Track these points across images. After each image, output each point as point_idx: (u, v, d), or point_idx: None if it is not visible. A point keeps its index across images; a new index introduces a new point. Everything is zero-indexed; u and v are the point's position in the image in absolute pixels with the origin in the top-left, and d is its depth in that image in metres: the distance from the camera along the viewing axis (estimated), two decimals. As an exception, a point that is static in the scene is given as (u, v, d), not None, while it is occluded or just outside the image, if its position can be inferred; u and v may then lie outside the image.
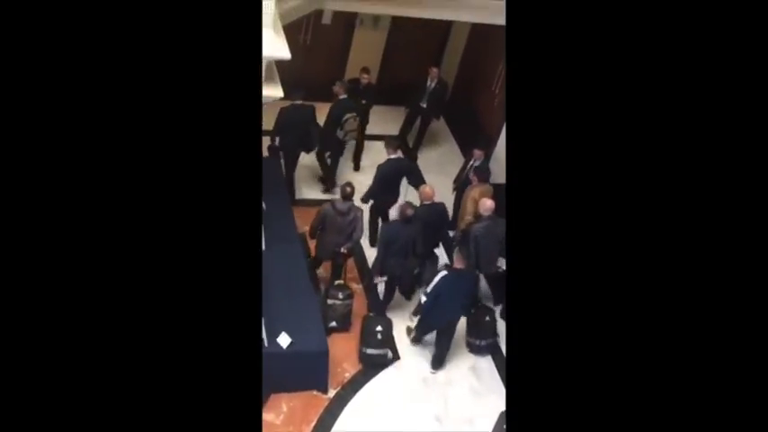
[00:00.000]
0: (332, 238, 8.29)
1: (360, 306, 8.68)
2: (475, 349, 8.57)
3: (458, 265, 8.07)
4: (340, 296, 8.30)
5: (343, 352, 8.10)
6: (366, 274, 9.12)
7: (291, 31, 7.73)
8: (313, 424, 7.35)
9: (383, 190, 9.21)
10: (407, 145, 11.21)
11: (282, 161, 9.64)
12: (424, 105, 10.82)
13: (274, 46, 6.51)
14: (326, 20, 10.88)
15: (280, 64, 6.88)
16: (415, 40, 11.32)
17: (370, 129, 10.71)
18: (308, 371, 7.55)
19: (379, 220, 9.40)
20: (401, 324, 8.62)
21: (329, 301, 8.25)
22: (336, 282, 8.49)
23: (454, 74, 12.06)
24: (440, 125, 11.72)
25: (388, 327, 8.28)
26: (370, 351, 8.16)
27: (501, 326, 8.55)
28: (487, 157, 9.88)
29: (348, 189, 8.19)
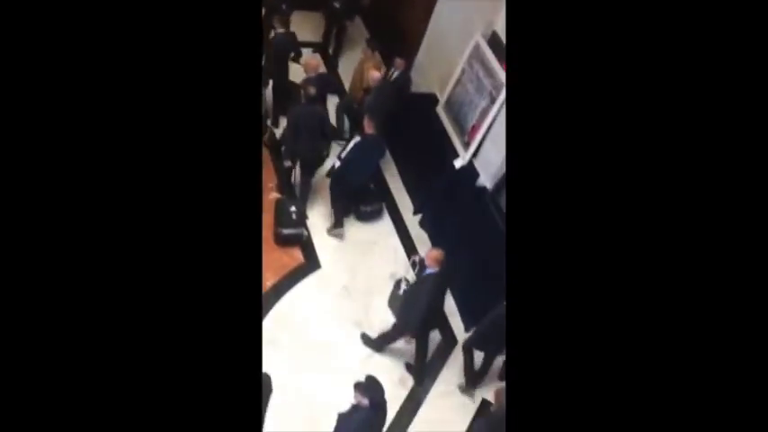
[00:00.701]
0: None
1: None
2: (364, 216, 8.92)
3: (368, 130, 8.41)
4: None
5: (264, 259, 8.09)
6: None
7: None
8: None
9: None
10: (328, 52, 11.06)
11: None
12: (338, 6, 10.61)
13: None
14: None
15: None
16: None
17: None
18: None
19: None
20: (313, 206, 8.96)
21: None
22: None
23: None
24: (360, 31, 11.55)
25: (301, 206, 8.57)
26: (286, 231, 8.45)
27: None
28: (408, 66, 9.86)
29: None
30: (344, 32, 11.06)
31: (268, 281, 8.03)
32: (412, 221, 9.24)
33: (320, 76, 9.09)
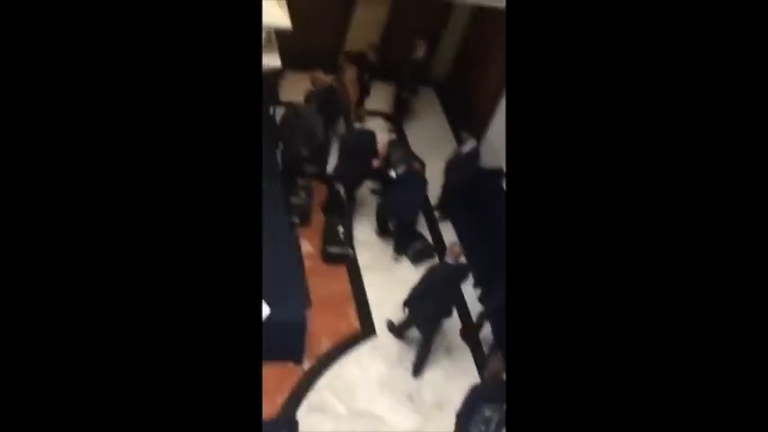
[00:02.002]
0: (297, 141, 8.81)
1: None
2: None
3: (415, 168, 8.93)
4: (302, 194, 9.11)
5: (321, 325, 8.13)
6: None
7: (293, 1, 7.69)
8: (286, 395, 7.38)
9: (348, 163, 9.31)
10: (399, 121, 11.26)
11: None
12: (407, 77, 10.88)
13: (275, 15, 6.49)
14: (329, -9, 10.80)
15: (280, 34, 6.84)
16: (416, 19, 11.26)
17: (368, 104, 10.81)
18: (284, 342, 7.56)
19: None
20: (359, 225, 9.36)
21: (292, 199, 8.98)
22: (300, 181, 9.17)
23: (452, 56, 12.05)
24: (433, 104, 11.71)
25: (349, 226, 9.06)
26: (332, 249, 8.84)
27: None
28: (478, 140, 9.91)
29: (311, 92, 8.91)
30: (413, 103, 11.27)
31: (323, 345, 8.00)
32: (471, 295, 9.09)
33: (326, 90, 9.45)
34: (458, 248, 7.93)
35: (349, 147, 9.07)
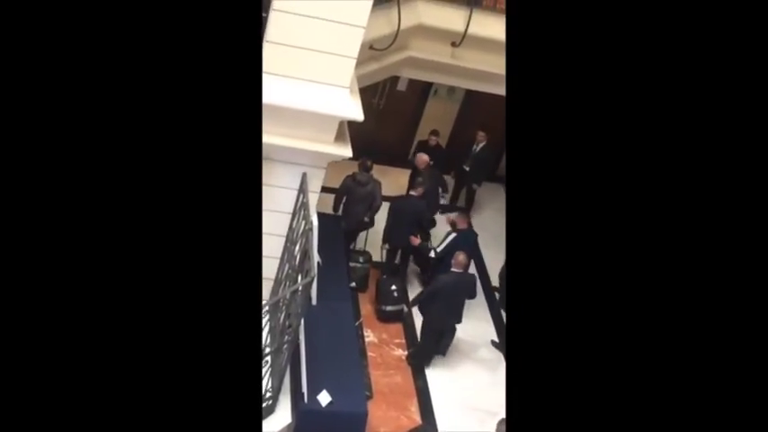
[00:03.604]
0: (355, 209, 9.11)
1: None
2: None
3: (461, 225, 9.26)
4: (360, 260, 9.47)
5: (381, 417, 7.98)
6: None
7: (367, 93, 7.89)
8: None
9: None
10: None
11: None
12: (467, 169, 10.92)
13: (349, 107, 6.64)
14: (402, 86, 11.07)
15: (351, 124, 6.99)
16: (487, 114, 11.40)
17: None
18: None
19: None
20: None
21: (351, 264, 9.28)
22: (357, 247, 9.63)
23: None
24: (497, 194, 11.69)
25: (402, 285, 9.44)
26: (388, 308, 9.18)
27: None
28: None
29: (368, 162, 9.11)
30: (474, 193, 11.27)
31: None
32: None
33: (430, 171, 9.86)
34: (463, 258, 8.52)
35: (396, 211, 9.38)
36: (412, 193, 9.62)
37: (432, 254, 9.19)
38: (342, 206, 9.26)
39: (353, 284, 9.26)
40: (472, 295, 8.79)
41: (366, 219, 9.27)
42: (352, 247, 9.56)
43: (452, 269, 8.53)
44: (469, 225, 9.56)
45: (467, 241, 9.28)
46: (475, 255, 9.74)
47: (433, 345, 8.76)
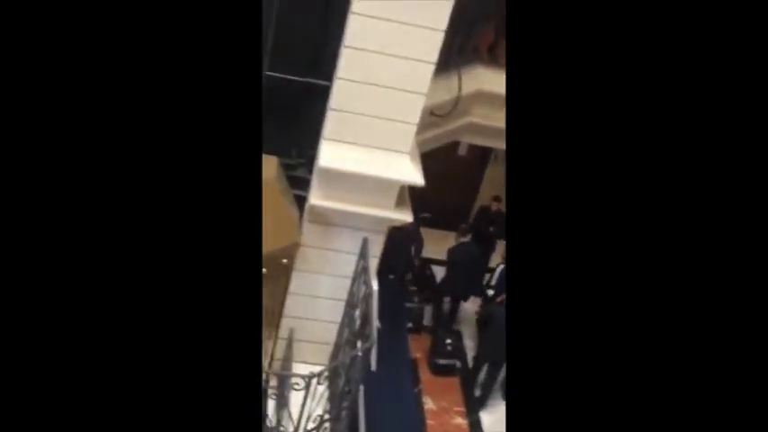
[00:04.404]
0: (400, 249, 9.09)
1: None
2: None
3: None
4: (415, 300, 9.91)
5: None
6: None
7: (427, 158, 7.94)
8: None
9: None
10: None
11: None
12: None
13: (410, 172, 6.68)
14: (462, 151, 11.12)
15: (412, 189, 7.02)
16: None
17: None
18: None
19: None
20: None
21: (407, 305, 9.63)
22: (412, 288, 10.03)
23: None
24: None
25: (458, 339, 9.58)
26: (441, 361, 9.30)
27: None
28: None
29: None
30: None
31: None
32: None
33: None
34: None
35: (455, 260, 9.43)
36: (462, 239, 9.61)
37: (489, 292, 9.34)
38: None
39: (410, 325, 9.53)
40: None
41: (413, 257, 9.54)
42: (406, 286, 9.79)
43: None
44: None
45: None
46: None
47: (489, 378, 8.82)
